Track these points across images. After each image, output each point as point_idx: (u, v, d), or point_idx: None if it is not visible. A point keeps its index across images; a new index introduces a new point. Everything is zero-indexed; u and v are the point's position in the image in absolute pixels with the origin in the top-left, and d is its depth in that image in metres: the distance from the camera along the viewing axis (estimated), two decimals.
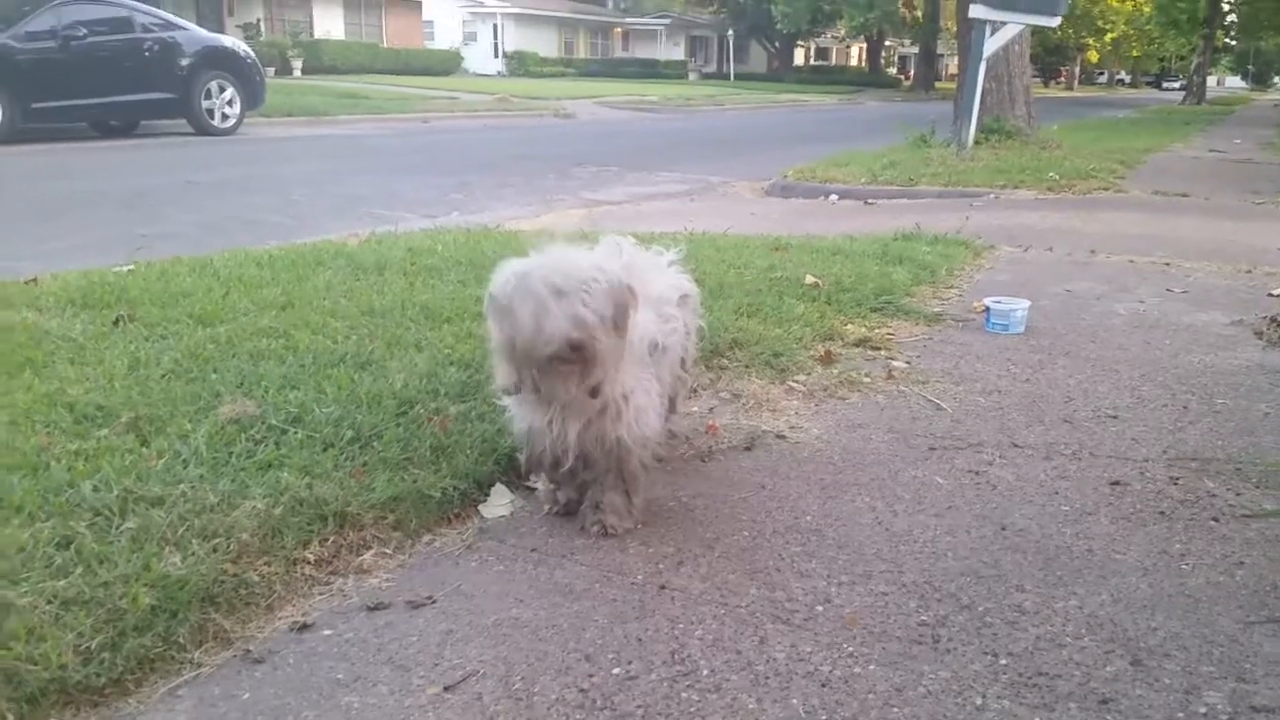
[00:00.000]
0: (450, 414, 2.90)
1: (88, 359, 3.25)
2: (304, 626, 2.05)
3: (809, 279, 4.90)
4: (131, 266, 4.75)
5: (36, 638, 1.80)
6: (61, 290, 4.14)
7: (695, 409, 3.34)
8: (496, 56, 49.52)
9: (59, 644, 1.79)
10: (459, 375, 3.21)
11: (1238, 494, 2.74)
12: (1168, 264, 6.07)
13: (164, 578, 2.00)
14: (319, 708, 1.79)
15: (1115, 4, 58.37)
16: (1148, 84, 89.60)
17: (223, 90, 15.16)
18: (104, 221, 7.61)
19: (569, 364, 2.15)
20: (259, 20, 36.89)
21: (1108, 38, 63.48)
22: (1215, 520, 2.58)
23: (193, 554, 2.09)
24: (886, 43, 63.64)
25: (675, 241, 2.77)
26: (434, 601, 2.16)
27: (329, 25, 40.50)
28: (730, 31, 54.95)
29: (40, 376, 3.04)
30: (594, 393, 2.25)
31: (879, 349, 4.10)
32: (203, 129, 14.94)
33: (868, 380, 3.70)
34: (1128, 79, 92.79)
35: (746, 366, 3.73)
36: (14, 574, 1.94)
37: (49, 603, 1.88)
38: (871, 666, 1.92)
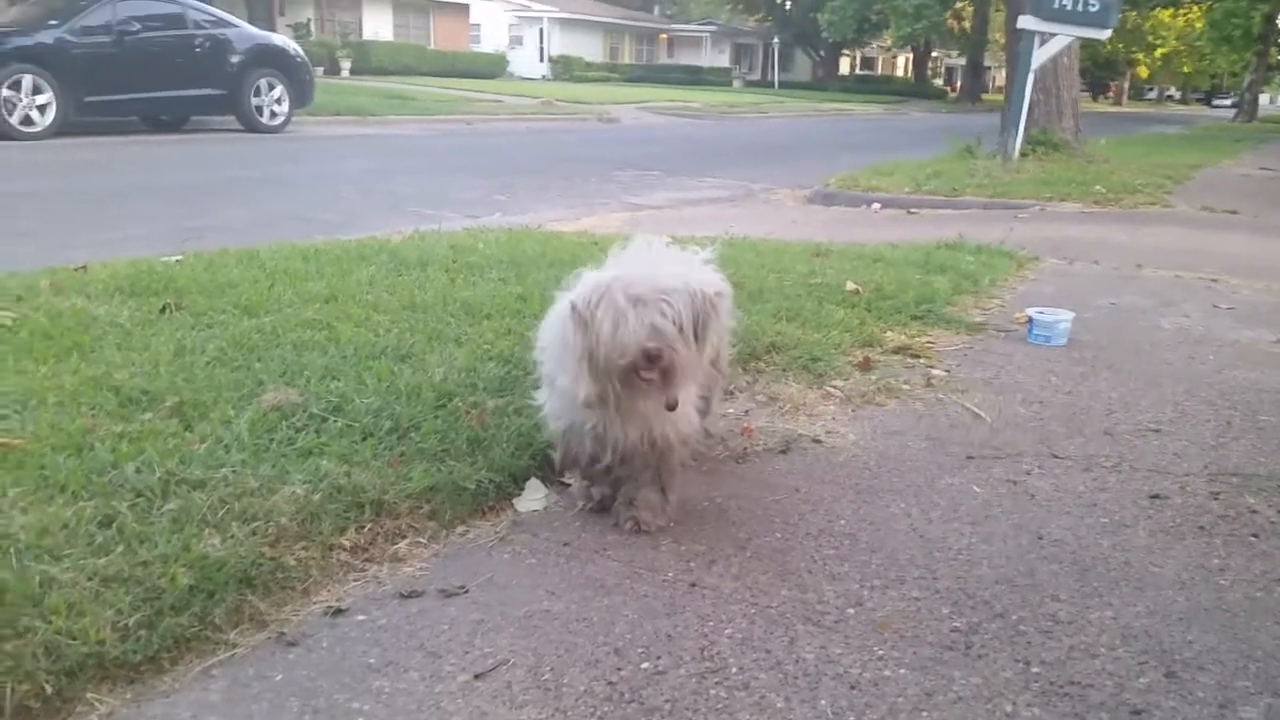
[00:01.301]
0: (488, 408, 2.93)
1: (134, 345, 3.30)
2: (338, 611, 2.07)
3: (849, 285, 4.89)
4: (179, 257, 4.82)
5: (76, 613, 1.83)
6: (110, 278, 4.21)
7: (731, 411, 3.34)
8: (542, 60, 49.75)
9: (98, 620, 1.83)
10: (498, 370, 3.24)
11: (1279, 511, 2.70)
12: (1215, 280, 5.98)
13: (202, 559, 2.03)
14: (350, 690, 1.81)
15: (1166, 19, 57.62)
16: (1198, 101, 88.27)
17: (272, 88, 15.34)
18: (153, 214, 7.72)
19: (648, 376, 2.15)
20: (309, 20, 37.31)
21: (1158, 53, 62.72)
22: (1255, 536, 2.54)
23: (231, 536, 2.13)
24: (933, 54, 63.27)
25: (712, 243, 2.77)
26: (466, 591, 2.17)
27: (378, 26, 40.89)
28: (775, 40, 54.87)
29: (87, 360, 3.10)
30: (671, 406, 2.25)
31: (918, 357, 4.07)
32: (251, 126, 15.12)
33: (906, 387, 3.68)
34: (1178, 95, 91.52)
35: (784, 370, 3.72)
36: None
37: (89, 579, 1.92)
38: (902, 670, 1.91)
